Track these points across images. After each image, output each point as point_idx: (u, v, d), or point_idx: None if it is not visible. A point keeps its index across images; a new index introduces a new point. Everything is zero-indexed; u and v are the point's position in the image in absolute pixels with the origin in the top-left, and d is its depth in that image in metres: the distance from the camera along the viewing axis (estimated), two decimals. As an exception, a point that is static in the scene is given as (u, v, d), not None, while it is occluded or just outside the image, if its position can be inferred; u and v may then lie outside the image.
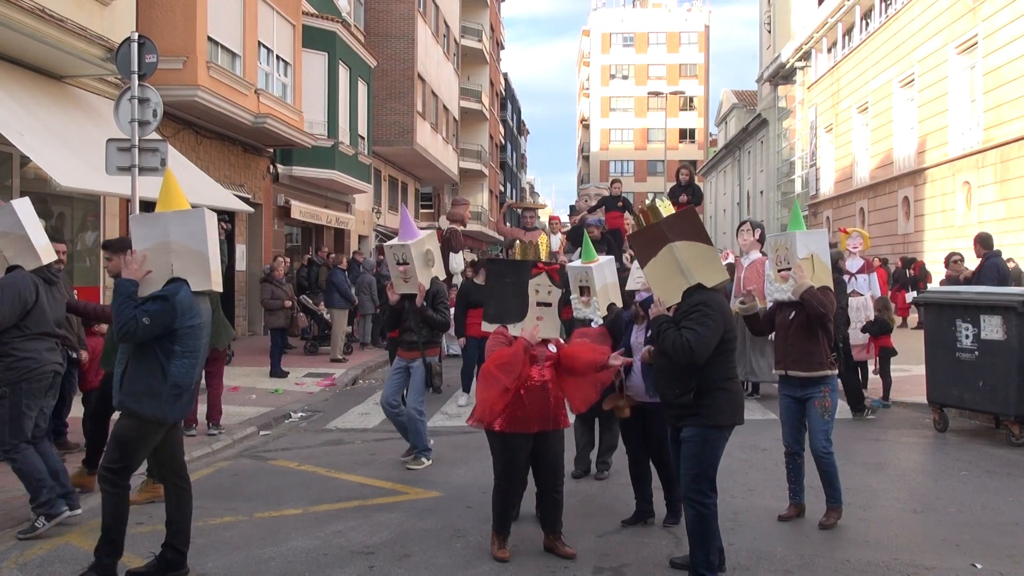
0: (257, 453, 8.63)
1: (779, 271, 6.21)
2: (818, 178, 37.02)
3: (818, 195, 36.67)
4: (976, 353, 8.96)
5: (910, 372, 12.39)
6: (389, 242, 8.08)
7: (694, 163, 67.01)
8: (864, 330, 10.92)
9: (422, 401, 8.03)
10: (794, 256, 6.08)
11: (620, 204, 14.67)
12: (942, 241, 22.96)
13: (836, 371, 6.19)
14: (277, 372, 13.36)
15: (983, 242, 10.95)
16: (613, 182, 15.66)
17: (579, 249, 8.26)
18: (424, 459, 7.96)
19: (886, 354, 10.99)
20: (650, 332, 5.61)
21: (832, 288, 6.24)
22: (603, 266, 7.01)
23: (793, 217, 6.56)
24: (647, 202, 5.49)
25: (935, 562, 5.39)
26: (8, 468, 5.90)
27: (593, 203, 15.45)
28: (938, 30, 24.54)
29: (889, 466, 8.06)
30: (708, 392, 4.88)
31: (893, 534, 5.97)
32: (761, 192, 47.76)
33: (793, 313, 6.09)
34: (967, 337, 9.06)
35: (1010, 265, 13.14)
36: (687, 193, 14.34)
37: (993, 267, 10.45)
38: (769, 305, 6.44)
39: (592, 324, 6.65)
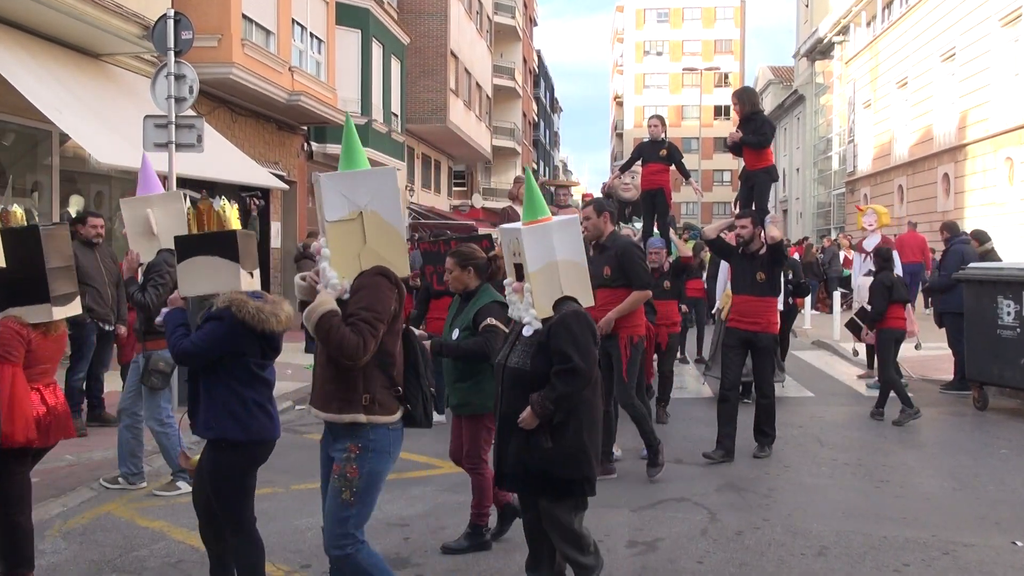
0: (293, 427, 8.71)
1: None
2: (856, 155, 36.42)
3: (855, 172, 36.12)
4: (1018, 330, 8.80)
5: (947, 350, 12.17)
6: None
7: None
8: (857, 315, 9.98)
9: None
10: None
11: (663, 152, 10.37)
12: (983, 218, 22.48)
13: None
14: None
15: (949, 228, 10.95)
16: (651, 119, 10.94)
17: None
18: None
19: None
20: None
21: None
22: (549, 229, 4.18)
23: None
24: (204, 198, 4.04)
25: (974, 539, 5.32)
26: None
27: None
28: (981, 2, 23.95)
29: (927, 444, 7.97)
30: None
31: (931, 511, 5.91)
32: (797, 170, 47.19)
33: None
34: (1008, 314, 8.90)
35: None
36: (750, 128, 8.68)
37: (957, 252, 10.30)
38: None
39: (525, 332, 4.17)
